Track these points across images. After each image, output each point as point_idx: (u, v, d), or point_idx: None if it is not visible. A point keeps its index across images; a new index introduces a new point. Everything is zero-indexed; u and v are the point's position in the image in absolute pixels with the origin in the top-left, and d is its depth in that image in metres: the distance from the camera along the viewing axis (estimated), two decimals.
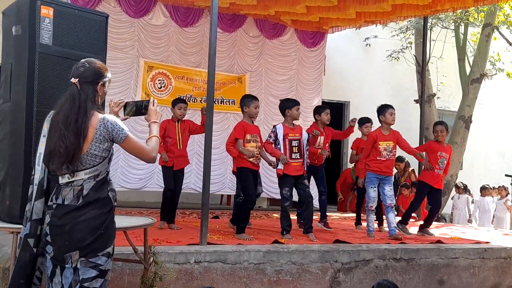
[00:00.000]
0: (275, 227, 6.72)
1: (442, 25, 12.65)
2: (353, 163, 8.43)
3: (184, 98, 8.70)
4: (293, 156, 6.22)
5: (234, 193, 9.93)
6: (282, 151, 6.17)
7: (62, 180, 2.88)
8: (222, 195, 10.60)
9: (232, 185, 9.75)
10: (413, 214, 9.98)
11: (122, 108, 3.33)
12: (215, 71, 5.56)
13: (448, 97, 13.60)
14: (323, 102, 10.96)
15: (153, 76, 9.26)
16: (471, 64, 12.44)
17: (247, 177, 6.05)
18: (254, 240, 5.78)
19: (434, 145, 7.39)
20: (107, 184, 2.94)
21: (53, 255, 2.83)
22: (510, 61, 13.51)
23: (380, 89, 12.76)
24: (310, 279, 5.25)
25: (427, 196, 7.42)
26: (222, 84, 9.78)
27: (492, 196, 11.91)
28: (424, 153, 7.62)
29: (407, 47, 12.51)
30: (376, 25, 10.58)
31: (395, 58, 12.48)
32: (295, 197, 6.57)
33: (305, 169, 6.35)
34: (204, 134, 5.63)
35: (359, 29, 10.79)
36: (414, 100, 11.69)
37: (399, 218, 9.81)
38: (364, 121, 7.88)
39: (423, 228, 7.36)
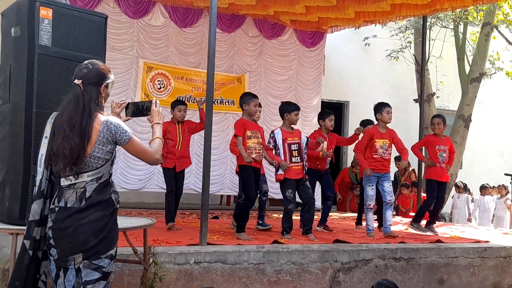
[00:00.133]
0: (275, 227, 6.72)
1: (442, 24, 12.66)
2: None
3: (184, 98, 8.70)
4: (293, 159, 6.22)
5: (236, 194, 10.00)
6: (282, 156, 6.18)
7: (64, 182, 2.87)
8: (221, 196, 10.61)
9: (232, 185, 9.77)
10: (412, 214, 10.05)
11: (124, 109, 3.32)
12: (215, 72, 5.57)
13: (447, 96, 13.61)
14: (323, 102, 10.97)
15: (153, 77, 9.27)
16: (470, 63, 12.45)
17: (248, 175, 6.04)
18: (254, 240, 5.78)
19: (432, 139, 7.41)
20: (109, 186, 2.94)
21: (57, 257, 2.83)
22: (510, 60, 13.53)
23: (380, 88, 12.76)
24: (310, 279, 5.26)
25: None
26: (221, 85, 9.78)
27: (492, 195, 11.91)
28: (423, 148, 7.62)
29: (406, 46, 12.51)
30: (375, 24, 10.59)
31: (395, 58, 12.48)
32: (298, 199, 6.56)
33: (305, 172, 6.34)
34: (203, 134, 5.63)
35: (358, 28, 10.80)
36: (414, 100, 11.70)
37: (399, 218, 9.85)
38: (366, 123, 7.87)
39: (429, 225, 7.36)
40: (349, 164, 11.81)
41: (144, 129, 8.26)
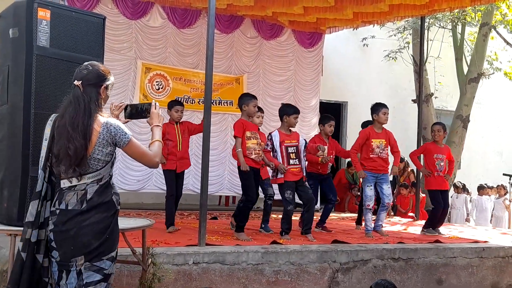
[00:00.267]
0: (273, 228, 6.72)
1: (440, 24, 12.68)
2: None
3: (182, 99, 8.70)
4: (291, 162, 6.21)
5: (234, 195, 10.00)
6: (280, 159, 6.18)
7: (65, 184, 2.86)
8: (220, 196, 10.60)
9: (231, 186, 9.77)
10: (411, 214, 10.08)
11: (123, 111, 3.31)
12: (213, 72, 5.56)
13: (445, 96, 13.63)
14: (321, 103, 10.99)
15: (151, 78, 9.27)
16: (468, 64, 12.47)
17: (248, 175, 6.02)
18: (253, 240, 5.78)
19: (430, 146, 7.39)
20: (110, 188, 2.93)
21: (59, 260, 2.82)
22: (508, 60, 13.55)
23: (378, 89, 12.77)
24: (309, 280, 5.26)
25: None
26: (219, 85, 9.79)
27: (489, 195, 11.92)
28: (421, 155, 7.61)
29: (404, 47, 12.52)
30: (374, 25, 10.60)
31: (393, 58, 12.49)
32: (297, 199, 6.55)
33: (304, 174, 6.34)
34: (202, 135, 5.62)
35: (356, 29, 10.81)
36: (412, 100, 11.71)
37: (398, 218, 9.86)
38: (367, 124, 7.86)
39: (434, 229, 7.36)
40: (345, 165, 11.84)
41: (142, 130, 8.26)
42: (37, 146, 3.64)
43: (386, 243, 6.14)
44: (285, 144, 6.23)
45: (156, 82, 9.31)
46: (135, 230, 4.03)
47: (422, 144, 9.02)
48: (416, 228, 7.90)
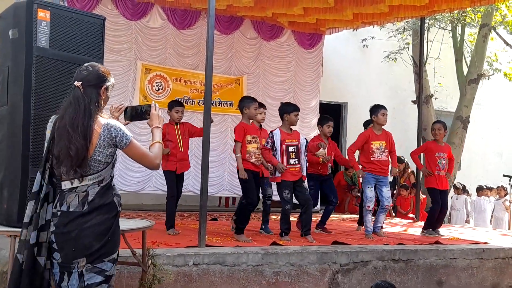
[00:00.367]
0: (273, 229, 6.72)
1: (439, 25, 12.66)
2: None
3: (182, 100, 8.69)
4: (291, 161, 6.20)
5: (234, 196, 10.00)
6: (279, 158, 6.17)
7: (65, 186, 2.85)
8: (220, 197, 10.59)
9: (230, 187, 9.76)
10: (411, 215, 10.07)
11: (123, 113, 3.30)
12: (213, 73, 5.56)
13: (445, 97, 13.63)
14: (321, 104, 10.98)
15: (151, 79, 9.26)
16: (468, 65, 12.46)
17: (247, 179, 6.03)
18: (253, 242, 5.78)
19: (431, 145, 7.39)
20: (111, 189, 2.92)
21: (61, 261, 2.81)
22: (508, 61, 13.55)
23: (378, 90, 12.76)
24: (309, 281, 5.25)
25: None
26: (219, 86, 9.78)
27: (488, 196, 11.91)
28: (422, 155, 7.61)
29: (404, 48, 12.51)
30: (373, 26, 10.60)
31: (393, 59, 12.49)
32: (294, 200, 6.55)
33: (304, 174, 6.33)
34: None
35: (356, 30, 10.80)
36: (412, 101, 11.69)
37: (398, 219, 9.85)
38: (369, 123, 7.87)
39: (434, 230, 7.35)
40: (343, 168, 11.82)
41: (142, 130, 8.25)
42: (37, 146, 3.65)
43: (386, 244, 6.14)
44: (285, 143, 6.22)
45: (156, 83, 9.31)
46: (135, 231, 4.02)
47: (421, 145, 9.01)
48: (416, 229, 7.89)
